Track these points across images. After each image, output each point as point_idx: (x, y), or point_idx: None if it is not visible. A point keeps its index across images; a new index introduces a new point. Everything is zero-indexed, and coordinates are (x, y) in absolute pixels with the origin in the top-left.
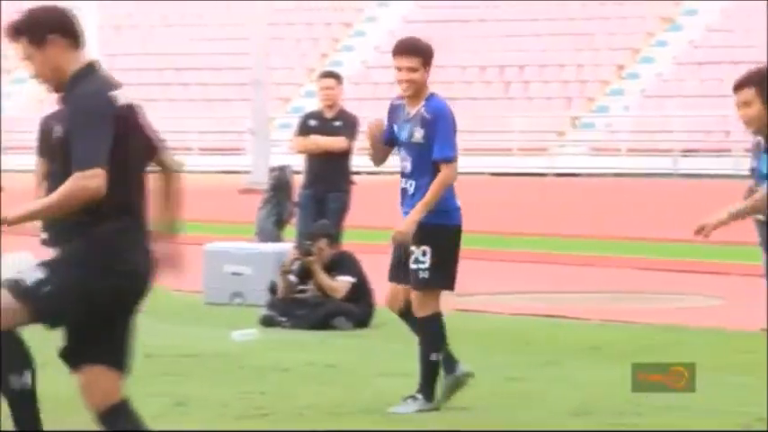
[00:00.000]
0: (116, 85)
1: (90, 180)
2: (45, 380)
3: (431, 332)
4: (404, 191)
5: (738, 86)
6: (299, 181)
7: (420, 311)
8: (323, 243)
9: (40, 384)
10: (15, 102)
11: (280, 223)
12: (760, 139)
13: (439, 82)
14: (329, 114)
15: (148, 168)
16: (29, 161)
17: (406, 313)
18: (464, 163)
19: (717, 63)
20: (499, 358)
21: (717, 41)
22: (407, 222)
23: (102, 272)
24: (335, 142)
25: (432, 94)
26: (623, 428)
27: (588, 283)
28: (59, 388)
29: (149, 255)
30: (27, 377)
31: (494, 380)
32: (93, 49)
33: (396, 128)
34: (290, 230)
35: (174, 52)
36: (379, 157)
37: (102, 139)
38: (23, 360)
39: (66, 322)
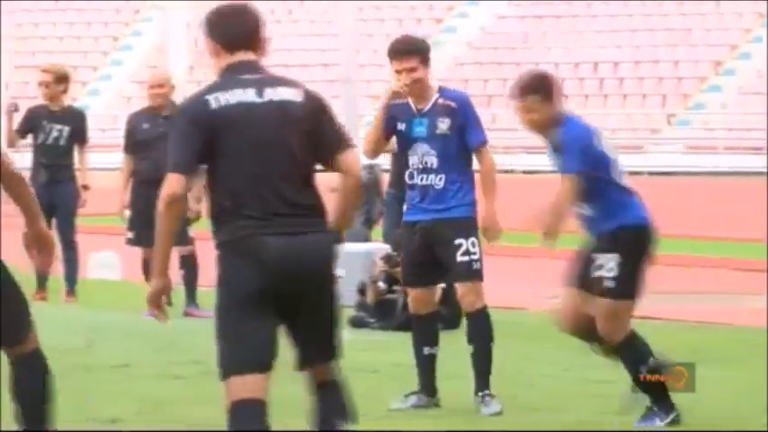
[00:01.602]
0: (238, 84)
1: (165, 186)
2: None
3: (489, 323)
4: (426, 188)
5: (522, 94)
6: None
7: (479, 302)
8: None
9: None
10: (102, 98)
11: (369, 222)
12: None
13: None
14: None
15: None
16: (115, 159)
17: (433, 315)
18: None
19: None
20: (591, 360)
21: None
22: (495, 217)
23: (226, 288)
24: None
25: (441, 86)
26: (719, 428)
27: (682, 284)
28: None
29: (287, 249)
30: None
31: (585, 382)
32: (181, 47)
33: (401, 126)
34: (379, 230)
35: None
36: (378, 149)
37: (179, 145)
38: None
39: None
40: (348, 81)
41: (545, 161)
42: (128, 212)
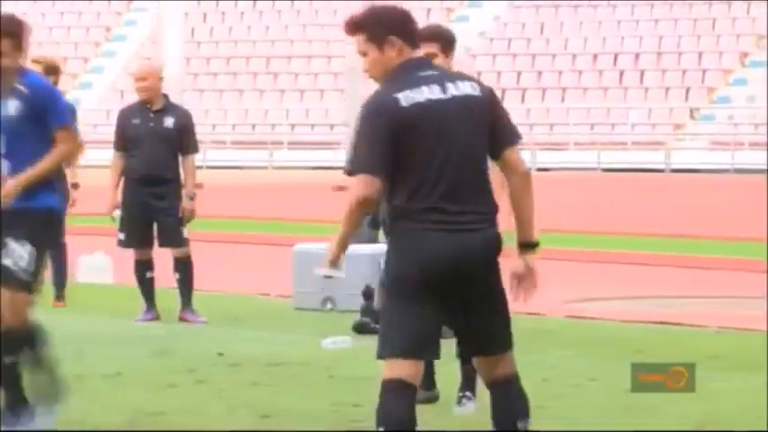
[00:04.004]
0: (422, 81)
1: (355, 187)
2: None
3: None
4: None
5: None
6: None
7: None
8: None
9: None
10: (94, 92)
11: (374, 223)
12: None
13: (548, 71)
14: None
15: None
16: (108, 156)
17: None
18: (575, 158)
19: None
20: (611, 368)
21: None
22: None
23: (394, 280)
24: None
25: None
26: (719, 428)
27: (705, 287)
28: None
29: (454, 246)
30: None
31: (605, 390)
32: (176, 38)
33: None
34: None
35: (264, 39)
36: None
37: (371, 145)
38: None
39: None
40: (354, 73)
41: (559, 158)
42: (118, 212)
